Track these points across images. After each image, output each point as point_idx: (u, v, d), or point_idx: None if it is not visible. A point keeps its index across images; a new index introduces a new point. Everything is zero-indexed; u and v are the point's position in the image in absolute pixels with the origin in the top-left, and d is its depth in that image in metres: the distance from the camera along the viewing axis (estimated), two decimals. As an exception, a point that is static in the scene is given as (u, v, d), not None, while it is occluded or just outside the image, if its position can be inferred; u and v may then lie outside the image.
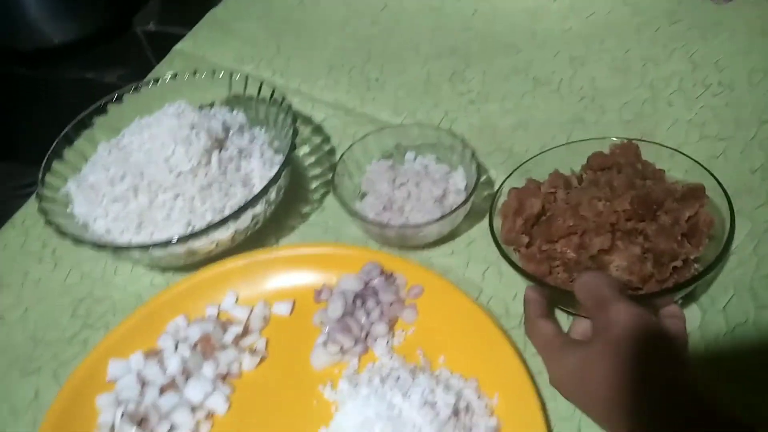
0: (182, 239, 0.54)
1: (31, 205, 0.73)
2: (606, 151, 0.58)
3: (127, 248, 0.54)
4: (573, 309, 0.53)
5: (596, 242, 0.49)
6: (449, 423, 0.47)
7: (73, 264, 0.66)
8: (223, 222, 0.56)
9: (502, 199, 0.56)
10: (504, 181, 0.57)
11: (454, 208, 0.58)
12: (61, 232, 0.56)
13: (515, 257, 0.53)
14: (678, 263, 0.48)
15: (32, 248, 0.69)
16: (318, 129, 0.77)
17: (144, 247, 0.54)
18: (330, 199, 0.70)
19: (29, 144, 0.92)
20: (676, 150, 0.56)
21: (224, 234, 0.58)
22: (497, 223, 0.55)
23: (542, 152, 0.60)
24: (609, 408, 0.40)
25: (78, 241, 0.55)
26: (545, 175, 0.58)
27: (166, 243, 0.54)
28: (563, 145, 0.63)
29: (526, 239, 0.53)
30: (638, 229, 0.50)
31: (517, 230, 0.53)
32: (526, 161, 0.60)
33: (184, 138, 0.59)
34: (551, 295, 0.51)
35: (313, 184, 0.72)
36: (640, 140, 0.58)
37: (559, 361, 0.45)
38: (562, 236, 0.51)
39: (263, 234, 0.65)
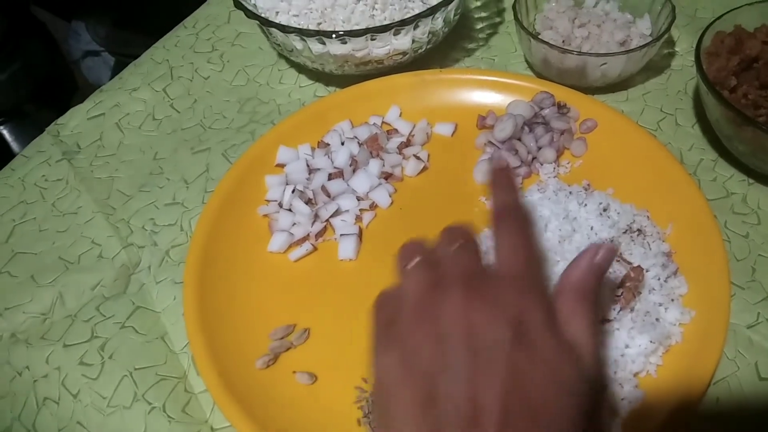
0: (364, 33, 0.54)
1: (201, 11, 0.75)
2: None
3: (313, 34, 0.54)
4: None
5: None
6: (626, 235, 0.46)
7: (240, 67, 0.68)
8: (405, 23, 0.55)
9: (705, 44, 0.53)
10: (712, 23, 0.53)
11: (642, 44, 0.56)
12: (250, 14, 0.57)
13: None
14: None
15: (202, 49, 0.71)
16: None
17: (328, 35, 0.54)
18: (496, 39, 0.68)
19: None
20: None
21: (401, 42, 0.58)
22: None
23: (743, 5, 0.56)
24: None
25: (266, 22, 0.56)
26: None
27: (349, 33, 0.54)
28: (761, 2, 0.58)
29: (734, 81, 0.50)
30: None
31: (729, 70, 0.50)
32: (727, 12, 0.56)
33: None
34: (753, 139, 0.48)
35: (479, 25, 0.70)
36: None
37: None
38: None
39: (428, 62, 0.65)
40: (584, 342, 0.30)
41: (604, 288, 0.42)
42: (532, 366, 0.27)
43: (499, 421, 0.26)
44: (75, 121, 0.65)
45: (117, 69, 1.33)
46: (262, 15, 0.61)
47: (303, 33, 0.55)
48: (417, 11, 0.60)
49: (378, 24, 0.59)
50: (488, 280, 0.31)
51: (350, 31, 0.54)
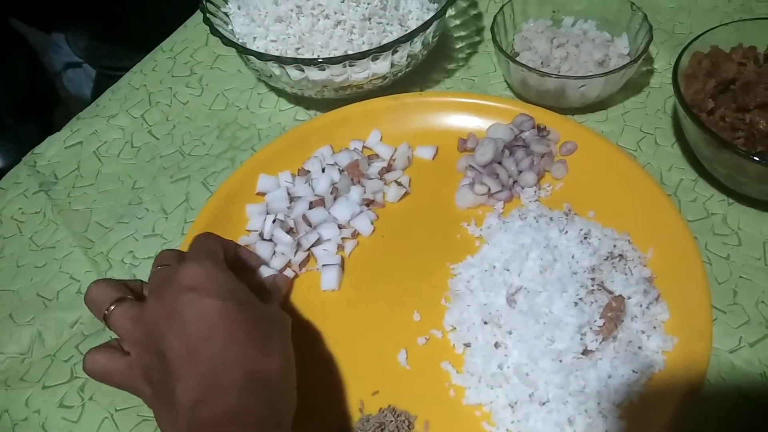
0: (343, 59, 0.54)
1: (179, 34, 0.75)
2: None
3: (291, 62, 0.54)
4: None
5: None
6: (607, 262, 0.46)
7: (219, 91, 0.68)
8: (384, 49, 0.55)
9: (683, 65, 0.53)
10: (689, 44, 0.54)
11: (620, 66, 0.56)
12: (227, 41, 0.56)
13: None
14: None
15: (180, 73, 0.70)
16: (466, -8, 0.74)
17: (306, 62, 0.54)
18: (476, 59, 0.68)
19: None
20: None
21: (379, 67, 0.58)
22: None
23: (720, 26, 0.56)
24: None
25: (243, 50, 0.55)
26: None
27: (327, 60, 0.54)
28: (737, 21, 0.58)
29: (711, 104, 0.50)
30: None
31: (706, 92, 0.50)
32: (704, 33, 0.56)
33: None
34: (731, 161, 0.48)
35: (458, 44, 0.70)
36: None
37: None
38: (759, 105, 0.48)
39: (408, 84, 0.65)
40: (202, 284, 0.40)
41: (584, 316, 0.42)
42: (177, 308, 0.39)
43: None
44: (52, 150, 0.64)
45: (98, 81, 1.32)
46: (240, 40, 0.61)
47: (281, 60, 0.55)
48: (396, 35, 0.60)
49: (356, 48, 0.59)
50: (166, 284, 0.40)
51: (328, 58, 0.54)
